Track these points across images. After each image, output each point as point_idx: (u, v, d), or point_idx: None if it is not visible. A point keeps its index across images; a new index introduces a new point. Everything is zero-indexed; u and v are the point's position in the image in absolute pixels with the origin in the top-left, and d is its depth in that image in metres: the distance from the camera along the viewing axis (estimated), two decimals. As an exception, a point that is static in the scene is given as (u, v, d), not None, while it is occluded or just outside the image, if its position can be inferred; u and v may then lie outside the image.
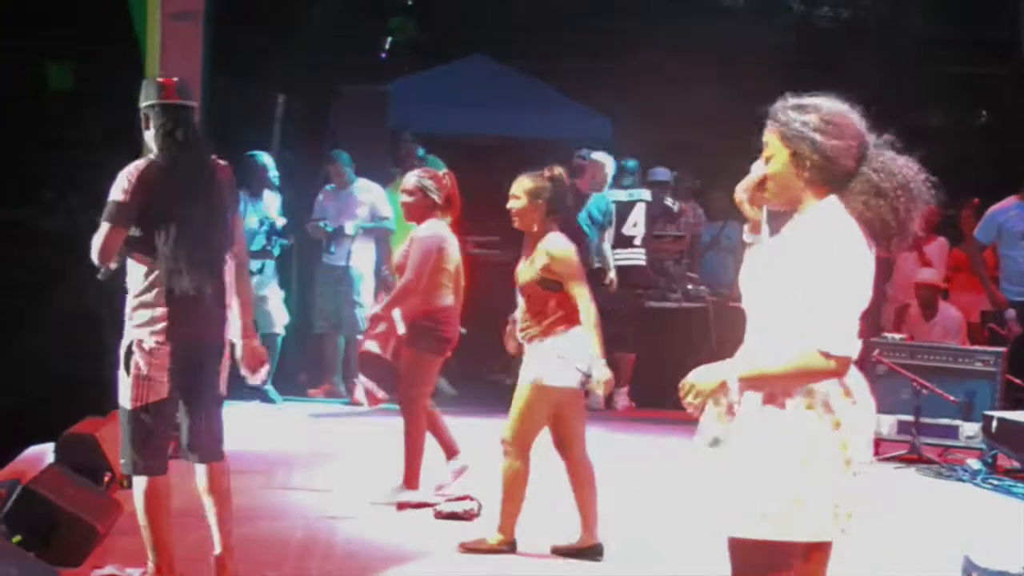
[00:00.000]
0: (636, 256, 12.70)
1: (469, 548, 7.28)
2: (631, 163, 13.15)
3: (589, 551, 7.29)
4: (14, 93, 17.70)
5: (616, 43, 19.91)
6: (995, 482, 9.95)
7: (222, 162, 6.27)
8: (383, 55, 18.15)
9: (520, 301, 7.32)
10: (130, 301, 6.11)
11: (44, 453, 8.26)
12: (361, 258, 12.32)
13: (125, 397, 6.07)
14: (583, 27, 20.01)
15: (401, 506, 8.15)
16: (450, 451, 8.58)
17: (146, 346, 6.02)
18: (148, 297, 6.04)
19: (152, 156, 6.09)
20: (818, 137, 4.16)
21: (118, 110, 13.18)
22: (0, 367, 14.72)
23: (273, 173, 12.10)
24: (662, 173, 14.15)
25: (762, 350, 4.22)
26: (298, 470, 9.25)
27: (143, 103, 6.15)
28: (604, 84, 18.12)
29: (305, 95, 14.47)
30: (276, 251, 11.94)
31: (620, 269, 12.51)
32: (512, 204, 7.32)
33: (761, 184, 4.33)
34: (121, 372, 6.08)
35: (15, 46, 18.11)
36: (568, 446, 7.29)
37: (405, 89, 15.90)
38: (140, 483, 6.17)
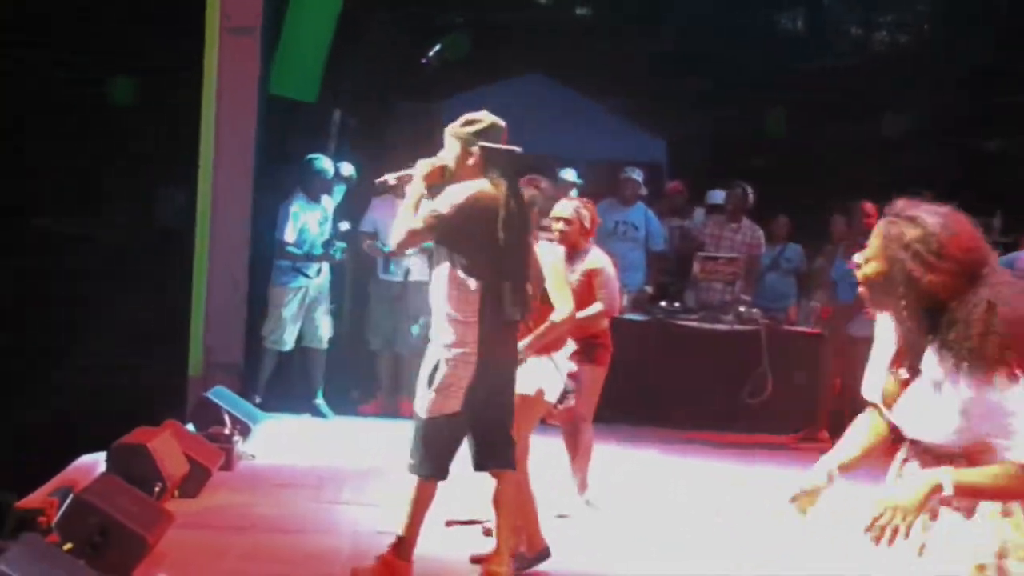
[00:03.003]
0: None
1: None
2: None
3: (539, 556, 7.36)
4: (76, 107, 17.90)
5: (672, 64, 19.94)
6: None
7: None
8: (424, 61, 18.20)
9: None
10: (443, 316, 6.47)
11: (96, 462, 8.32)
12: (419, 273, 12.18)
13: (422, 406, 6.50)
14: (638, 48, 20.04)
15: (449, 523, 8.15)
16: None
17: (454, 364, 6.42)
18: (466, 316, 6.43)
19: (487, 184, 6.53)
20: (913, 267, 3.88)
21: (177, 125, 13.35)
22: (54, 377, 14.84)
23: (327, 179, 12.04)
24: (718, 196, 14.12)
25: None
26: (348, 485, 9.27)
27: (476, 137, 6.63)
28: (659, 106, 18.13)
29: (361, 111, 14.53)
30: (337, 255, 11.94)
31: None
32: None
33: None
34: (422, 381, 6.51)
35: (78, 60, 18.31)
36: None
37: (460, 107, 15.91)
38: (413, 481, 6.58)
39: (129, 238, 17.41)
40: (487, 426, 6.63)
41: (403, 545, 6.65)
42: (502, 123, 6.67)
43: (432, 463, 6.54)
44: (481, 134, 6.59)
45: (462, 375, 6.41)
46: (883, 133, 17.97)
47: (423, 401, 6.50)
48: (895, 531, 3.79)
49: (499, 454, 6.71)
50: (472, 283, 6.42)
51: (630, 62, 19.62)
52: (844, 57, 21.54)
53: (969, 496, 3.86)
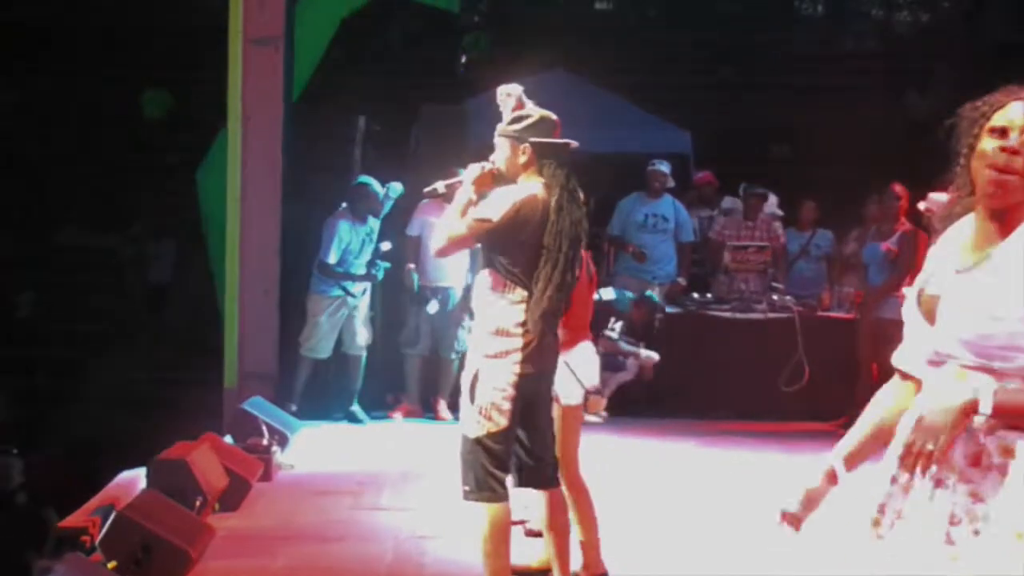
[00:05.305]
0: None
1: None
2: None
3: None
4: (103, 121, 17.99)
5: (693, 54, 19.92)
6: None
7: None
8: (461, 71, 18.23)
9: None
10: (484, 328, 6.10)
11: (137, 478, 8.35)
12: (458, 276, 12.12)
13: (469, 427, 6.07)
14: (660, 40, 20.03)
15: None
16: None
17: (495, 376, 6.03)
18: (507, 327, 6.04)
19: (539, 186, 6.14)
20: None
21: (207, 137, 13.41)
22: (90, 393, 14.92)
23: (379, 202, 11.99)
24: (728, 201, 14.16)
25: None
26: (387, 489, 9.28)
27: (526, 134, 6.22)
28: (683, 97, 18.10)
29: (385, 116, 14.54)
30: (380, 275, 11.92)
31: None
32: None
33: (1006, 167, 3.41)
34: (464, 400, 6.11)
35: (111, 74, 18.41)
36: (563, 467, 6.69)
37: (484, 106, 15.91)
38: (480, 511, 6.10)
39: (158, 251, 17.51)
40: (533, 441, 6.28)
41: None
42: (553, 116, 6.32)
43: (490, 485, 6.07)
44: (530, 129, 6.20)
45: (505, 388, 6.00)
46: (907, 115, 17.92)
47: (469, 421, 6.06)
48: (927, 457, 3.25)
49: (544, 471, 6.37)
50: (518, 291, 6.06)
51: (652, 54, 19.61)
52: (865, 39, 21.50)
53: (1013, 421, 3.20)
